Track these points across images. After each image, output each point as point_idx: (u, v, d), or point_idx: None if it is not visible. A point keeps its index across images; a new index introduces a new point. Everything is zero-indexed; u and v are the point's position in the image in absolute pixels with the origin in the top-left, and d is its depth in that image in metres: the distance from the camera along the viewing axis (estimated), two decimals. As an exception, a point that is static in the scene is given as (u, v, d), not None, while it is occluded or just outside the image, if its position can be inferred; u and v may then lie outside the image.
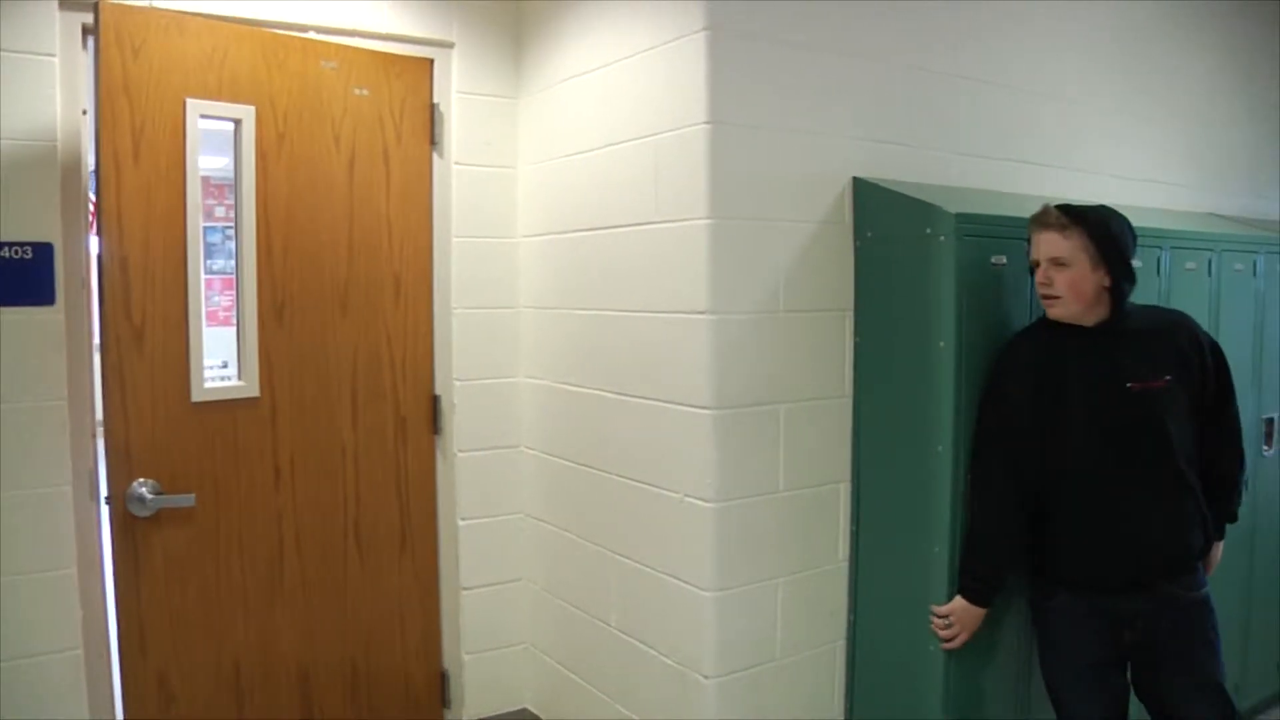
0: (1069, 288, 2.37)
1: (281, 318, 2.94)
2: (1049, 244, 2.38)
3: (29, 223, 2.55)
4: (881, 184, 2.72)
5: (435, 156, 3.27)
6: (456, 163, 3.29)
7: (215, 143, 2.85)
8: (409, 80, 3.19)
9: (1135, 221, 2.43)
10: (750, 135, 2.57)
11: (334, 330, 3.06)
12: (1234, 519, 2.64)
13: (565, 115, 3.18)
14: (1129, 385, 2.38)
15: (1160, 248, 3.01)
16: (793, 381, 2.69)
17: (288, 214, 2.92)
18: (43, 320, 2.59)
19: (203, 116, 2.76)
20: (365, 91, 3.09)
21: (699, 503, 2.59)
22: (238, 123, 2.84)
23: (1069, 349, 2.42)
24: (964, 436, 2.51)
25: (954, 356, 2.50)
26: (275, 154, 2.91)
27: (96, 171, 2.59)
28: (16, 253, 2.53)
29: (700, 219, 2.53)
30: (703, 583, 2.60)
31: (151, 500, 2.66)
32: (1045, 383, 2.42)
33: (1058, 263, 2.37)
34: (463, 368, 3.33)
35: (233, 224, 2.89)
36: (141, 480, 2.67)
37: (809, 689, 2.80)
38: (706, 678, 2.57)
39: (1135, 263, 2.41)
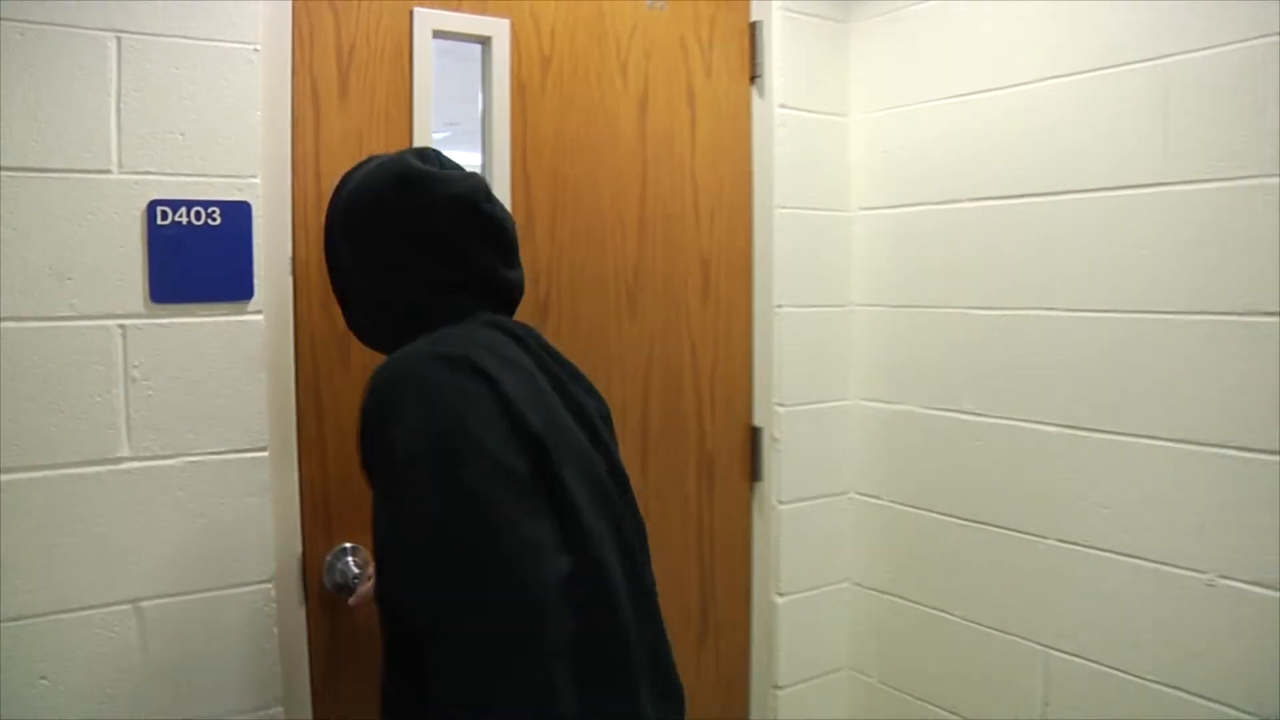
0: None
1: (547, 315, 2.00)
2: None
3: (219, 172, 1.63)
4: None
5: (755, 96, 2.25)
6: (781, 105, 2.26)
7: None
8: (722, -10, 2.20)
9: None
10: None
11: (618, 335, 2.11)
12: None
13: (941, 43, 2.24)
14: None
15: None
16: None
17: (555, 171, 1.98)
18: (236, 326, 1.65)
19: (436, 34, 1.85)
20: (663, 4, 2.10)
21: (1250, 589, 1.72)
22: (485, 42, 1.93)
23: None
24: None
25: None
26: (538, 87, 1.97)
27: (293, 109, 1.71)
28: (199, 216, 1.61)
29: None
30: (1245, 701, 1.73)
31: (359, 575, 1.76)
32: None
33: None
34: (788, 388, 2.30)
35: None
36: (346, 547, 1.78)
37: None
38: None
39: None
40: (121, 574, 1.57)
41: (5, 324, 1.48)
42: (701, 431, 2.22)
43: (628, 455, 2.12)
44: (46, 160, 1.50)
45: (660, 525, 2.18)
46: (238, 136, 1.64)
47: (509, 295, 1.41)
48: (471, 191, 1.32)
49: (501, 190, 1.94)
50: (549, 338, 1.98)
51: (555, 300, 2.02)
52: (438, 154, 1.37)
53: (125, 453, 1.56)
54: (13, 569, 1.49)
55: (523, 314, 1.93)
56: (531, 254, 1.99)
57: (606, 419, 1.41)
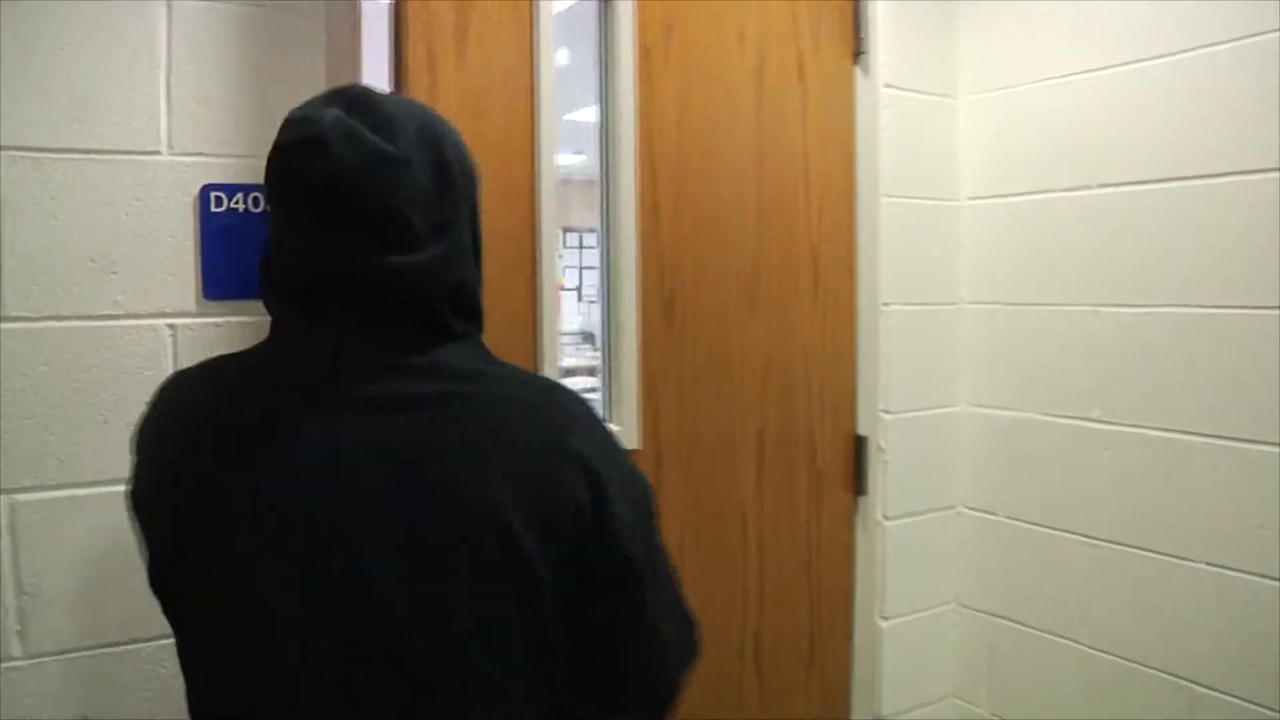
0: None
1: (671, 318, 1.78)
2: None
3: (256, 151, 1.38)
4: None
5: (859, 74, 2.00)
6: (886, 85, 2.00)
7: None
8: (825, -43, 1.95)
9: None
10: None
11: (740, 336, 1.88)
12: None
13: (1064, 12, 1.97)
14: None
15: None
16: None
17: (679, 151, 1.76)
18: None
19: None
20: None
21: None
22: (605, 1, 1.68)
23: None
24: None
25: None
26: (662, 54, 1.74)
27: (397, 69, 1.49)
28: (257, 202, 1.39)
29: None
30: None
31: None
32: None
33: None
34: (894, 394, 2.04)
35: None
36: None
37: None
38: None
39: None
40: (173, 604, 1.35)
41: (44, 323, 1.28)
42: (813, 444, 1.97)
43: (745, 474, 1.90)
44: (89, 140, 1.30)
45: (774, 546, 1.95)
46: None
47: (379, 292, 0.89)
48: (299, 140, 0.87)
49: (625, 170, 1.69)
50: (674, 343, 1.78)
51: (680, 298, 1.78)
52: (352, 96, 0.91)
53: (177, 469, 1.35)
54: (52, 601, 1.29)
55: (646, 316, 1.73)
56: (657, 248, 1.75)
57: (441, 538, 0.83)
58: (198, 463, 0.88)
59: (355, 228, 0.87)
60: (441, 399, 0.87)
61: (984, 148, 2.14)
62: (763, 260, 1.88)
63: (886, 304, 2.05)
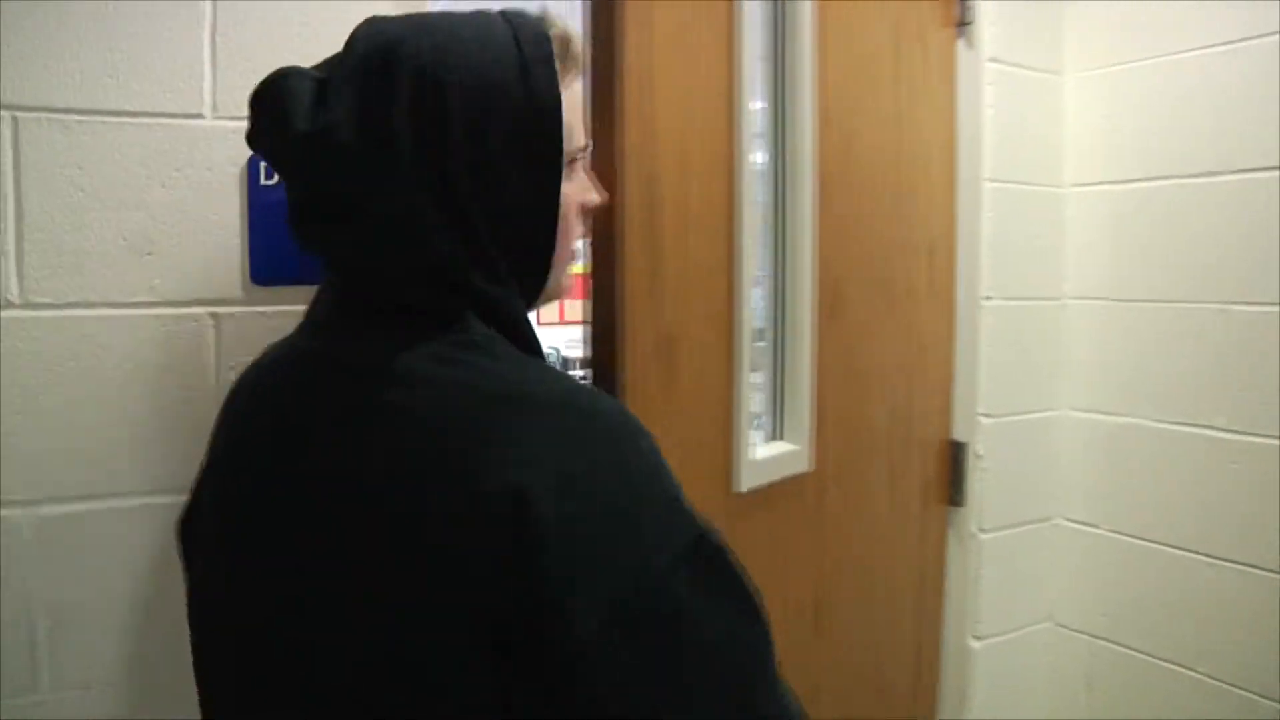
0: None
1: (836, 315, 1.57)
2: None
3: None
4: None
5: (961, 47, 1.79)
6: (991, 59, 1.79)
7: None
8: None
9: None
10: None
11: (880, 334, 1.69)
12: None
13: None
14: None
15: None
16: None
17: (841, 128, 1.55)
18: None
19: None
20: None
21: None
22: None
23: None
24: None
25: None
26: (832, 42, 1.53)
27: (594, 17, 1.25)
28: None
29: None
30: None
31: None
32: None
33: None
34: (992, 397, 1.83)
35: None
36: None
37: None
38: None
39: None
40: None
41: (71, 311, 1.10)
42: (925, 450, 1.78)
43: (879, 490, 1.71)
44: (124, 101, 1.12)
45: (903, 569, 1.78)
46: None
47: (328, 280, 0.81)
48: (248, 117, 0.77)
49: (805, 146, 1.47)
50: (838, 344, 1.56)
51: (843, 289, 1.58)
52: (348, 42, 0.76)
53: (218, 477, 1.16)
54: (81, 628, 1.11)
55: (821, 314, 1.53)
56: (826, 238, 1.53)
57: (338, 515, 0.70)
58: (202, 482, 0.87)
59: (298, 217, 0.76)
60: (372, 412, 0.69)
61: (1093, 130, 1.93)
62: (897, 250, 1.69)
63: (988, 298, 1.84)
